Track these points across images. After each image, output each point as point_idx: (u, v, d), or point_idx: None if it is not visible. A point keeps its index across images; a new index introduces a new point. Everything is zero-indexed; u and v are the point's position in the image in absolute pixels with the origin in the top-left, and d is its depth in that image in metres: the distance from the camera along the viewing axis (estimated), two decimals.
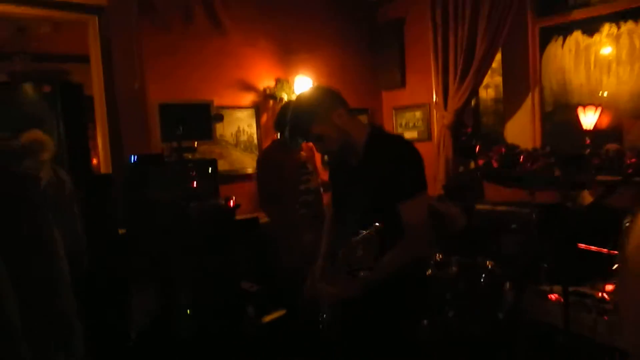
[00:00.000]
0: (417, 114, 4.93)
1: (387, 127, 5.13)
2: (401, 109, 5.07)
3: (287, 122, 1.87)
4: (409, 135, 4.99)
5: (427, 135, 4.83)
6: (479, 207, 3.94)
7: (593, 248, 2.25)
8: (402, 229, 1.70)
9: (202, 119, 3.41)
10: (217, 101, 3.91)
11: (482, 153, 4.23)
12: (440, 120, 4.53)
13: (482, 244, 3.44)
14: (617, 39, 3.84)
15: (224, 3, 4.10)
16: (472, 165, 4.35)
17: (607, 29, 3.88)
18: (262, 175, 3.24)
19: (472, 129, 4.54)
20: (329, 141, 1.79)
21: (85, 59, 3.88)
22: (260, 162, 3.36)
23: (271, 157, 3.19)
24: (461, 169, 4.36)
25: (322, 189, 3.26)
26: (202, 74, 4.03)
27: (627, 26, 3.78)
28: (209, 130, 3.55)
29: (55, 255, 1.97)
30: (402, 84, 5.02)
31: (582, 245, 2.24)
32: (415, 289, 1.85)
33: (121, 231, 3.00)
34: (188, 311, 2.81)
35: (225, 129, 4.13)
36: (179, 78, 3.90)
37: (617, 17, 3.81)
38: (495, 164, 3.91)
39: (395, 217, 1.69)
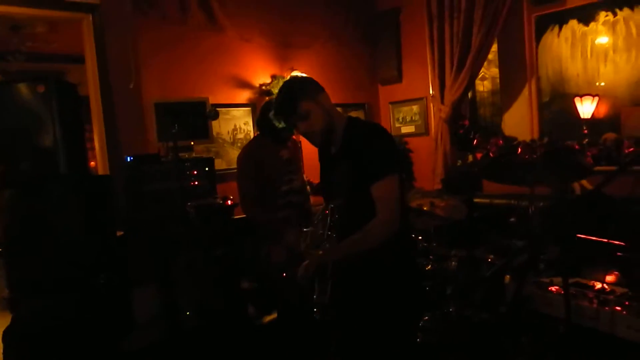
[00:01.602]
0: (414, 108, 4.91)
1: (384, 122, 5.11)
2: (398, 103, 5.05)
3: (276, 99, 1.92)
4: (406, 129, 4.97)
5: (425, 130, 4.82)
6: (478, 200, 3.95)
7: (593, 238, 2.25)
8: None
9: (198, 117, 3.39)
10: (213, 99, 3.88)
11: (480, 146, 4.22)
12: (437, 114, 4.52)
13: (482, 237, 3.45)
14: (613, 26, 3.82)
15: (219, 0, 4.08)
16: (470, 158, 4.34)
17: (603, 16, 3.86)
18: (241, 175, 2.92)
19: (469, 122, 4.53)
20: (315, 120, 1.85)
21: (80, 59, 3.87)
22: (239, 161, 2.96)
23: (251, 154, 2.91)
24: (459, 162, 4.35)
25: (309, 188, 3.04)
26: (197, 72, 4.01)
27: (624, 13, 3.76)
28: (206, 128, 3.53)
29: None
30: (399, 78, 5.00)
31: (581, 236, 2.24)
32: (403, 280, 1.87)
33: (119, 233, 2.99)
34: (187, 312, 2.81)
35: (222, 127, 4.11)
36: (174, 76, 3.88)
37: (613, 5, 3.79)
38: (493, 157, 3.90)
39: (370, 201, 1.76)
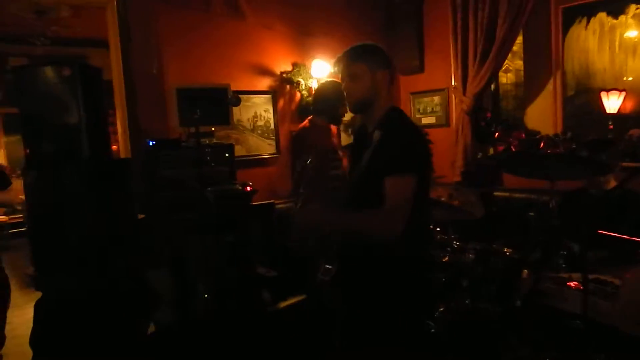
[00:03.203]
0: (435, 99, 4.87)
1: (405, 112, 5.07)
2: (419, 94, 5.01)
3: (352, 47, 1.90)
4: (427, 120, 4.93)
5: (445, 121, 4.77)
6: (497, 193, 3.91)
7: (613, 234, 2.21)
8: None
9: (220, 103, 3.41)
10: (234, 85, 3.90)
11: (501, 139, 4.17)
12: (458, 105, 4.47)
13: (500, 230, 3.42)
14: None
15: None
16: (491, 151, 4.29)
17: (633, 9, 3.76)
18: (295, 154, 3.16)
19: (491, 114, 4.47)
20: (359, 86, 1.84)
21: (103, 44, 3.91)
22: (294, 140, 3.31)
23: (306, 135, 3.14)
24: (480, 155, 4.30)
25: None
26: (219, 58, 4.03)
27: None
28: (226, 115, 3.55)
29: None
30: (421, 68, 4.94)
31: (602, 232, 2.20)
32: (414, 274, 1.83)
33: (140, 216, 3.04)
34: (205, 296, 2.85)
35: (242, 114, 4.13)
36: (195, 62, 3.91)
37: None
38: (515, 150, 3.85)
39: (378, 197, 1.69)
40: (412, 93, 5.06)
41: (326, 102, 3.09)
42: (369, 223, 1.69)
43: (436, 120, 4.86)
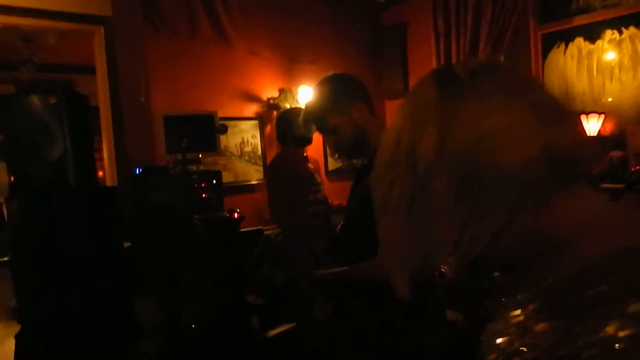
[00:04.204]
0: None
1: None
2: None
3: (305, 109, 1.77)
4: None
5: None
6: None
7: None
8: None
9: (207, 130, 3.42)
10: (221, 112, 3.93)
11: None
12: None
13: None
14: (619, 44, 3.84)
15: (229, 14, 4.14)
16: None
17: (609, 35, 3.89)
18: (274, 182, 3.28)
19: None
20: (343, 137, 1.68)
21: (90, 70, 3.93)
22: (271, 169, 3.37)
23: (282, 163, 3.24)
24: None
25: (329, 200, 3.32)
26: (206, 85, 4.07)
27: (629, 32, 3.78)
28: (214, 141, 3.56)
29: None
30: (405, 92, 5.02)
31: None
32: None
33: (126, 244, 3.01)
34: (192, 325, 2.81)
35: (230, 140, 4.15)
36: (183, 89, 3.94)
37: (619, 23, 3.81)
38: None
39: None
40: None
41: (281, 129, 3.20)
42: (369, 274, 1.55)
43: None
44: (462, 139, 0.61)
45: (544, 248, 0.61)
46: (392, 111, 5.14)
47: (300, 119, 1.79)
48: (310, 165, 3.34)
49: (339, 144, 1.72)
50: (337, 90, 1.71)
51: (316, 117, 1.72)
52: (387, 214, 0.68)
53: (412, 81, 5.00)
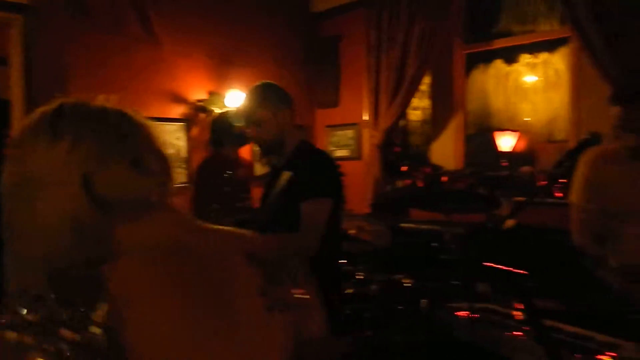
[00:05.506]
0: (349, 132, 5.01)
1: (320, 145, 5.18)
2: (334, 127, 5.14)
3: (244, 100, 2.02)
4: (340, 153, 5.05)
5: (358, 154, 4.92)
6: (404, 225, 4.05)
7: (499, 267, 2.35)
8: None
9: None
10: (145, 112, 3.78)
11: (408, 173, 4.35)
12: (370, 140, 4.63)
13: (406, 261, 3.53)
14: (534, 68, 4.10)
15: (159, 11, 4.02)
16: (399, 184, 4.46)
17: (525, 58, 4.14)
18: (199, 186, 3.16)
19: (400, 149, 4.67)
20: (266, 130, 1.95)
21: (2, 61, 3.69)
22: (198, 172, 3.26)
23: (210, 166, 3.15)
24: (388, 188, 4.46)
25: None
26: (129, 83, 3.90)
27: (543, 57, 4.05)
28: None
29: None
30: (337, 103, 5.10)
31: (487, 264, 2.33)
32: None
33: None
34: None
35: None
36: (103, 86, 3.77)
37: (534, 48, 4.07)
38: (420, 184, 4.03)
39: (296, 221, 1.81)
40: (328, 126, 5.18)
41: (218, 129, 3.16)
42: (286, 244, 1.77)
43: (349, 154, 4.99)
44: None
45: None
46: (323, 119, 5.21)
47: (235, 111, 2.12)
48: (241, 171, 3.25)
49: (260, 138, 1.99)
50: (269, 93, 2.00)
51: (247, 108, 1.98)
52: None
53: (344, 92, 5.08)
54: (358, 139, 4.93)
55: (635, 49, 3.00)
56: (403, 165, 4.34)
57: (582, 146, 1.96)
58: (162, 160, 0.82)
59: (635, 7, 3.01)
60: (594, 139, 2.06)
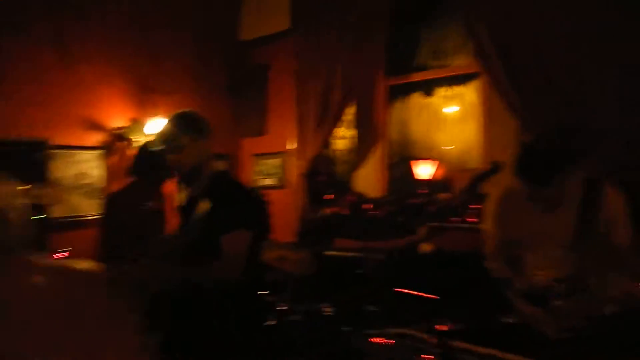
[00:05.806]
0: (276, 161, 5.02)
1: (246, 174, 5.14)
2: (261, 156, 5.13)
3: (163, 127, 2.01)
4: (267, 182, 5.04)
5: (284, 183, 4.92)
6: (329, 253, 4.06)
7: (412, 292, 2.40)
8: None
9: (34, 159, 3.10)
10: (59, 139, 3.62)
11: (334, 201, 4.39)
12: (296, 168, 4.66)
13: (330, 289, 3.52)
14: (450, 100, 4.31)
15: (76, 33, 3.88)
16: (324, 212, 4.48)
17: (442, 91, 4.35)
18: (110, 219, 3.04)
19: (326, 178, 4.71)
20: (186, 158, 1.95)
21: None
22: (106, 203, 3.13)
23: (118, 198, 3.04)
24: (313, 216, 4.47)
25: None
26: (42, 108, 3.71)
27: (459, 89, 4.27)
28: (41, 172, 3.24)
29: None
30: (264, 131, 5.10)
31: (399, 290, 2.39)
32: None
33: None
34: None
35: (66, 171, 3.80)
36: (12, 110, 3.55)
37: (450, 82, 4.29)
38: (345, 212, 4.08)
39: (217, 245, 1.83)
40: (255, 155, 5.16)
41: (147, 163, 3.03)
42: (209, 272, 1.81)
43: (275, 182, 4.99)
44: None
45: None
46: (250, 148, 5.19)
47: (156, 137, 2.05)
48: (153, 204, 3.16)
49: (179, 164, 1.98)
50: (189, 120, 2.01)
51: (166, 135, 1.98)
52: None
53: (272, 121, 5.09)
54: (284, 168, 4.94)
55: (537, 84, 3.21)
56: (328, 194, 4.38)
57: (483, 176, 2.08)
58: None
59: (538, 44, 3.22)
60: (493, 169, 2.22)
